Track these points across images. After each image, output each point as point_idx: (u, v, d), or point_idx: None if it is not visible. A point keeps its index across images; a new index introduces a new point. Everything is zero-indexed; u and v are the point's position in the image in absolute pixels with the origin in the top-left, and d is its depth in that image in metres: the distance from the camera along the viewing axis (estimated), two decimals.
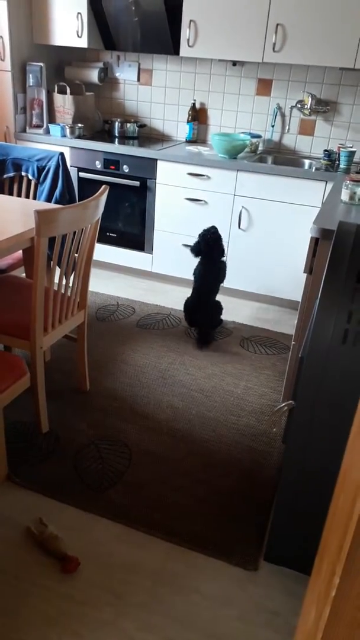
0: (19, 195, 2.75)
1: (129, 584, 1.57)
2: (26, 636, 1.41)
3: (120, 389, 2.44)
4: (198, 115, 3.66)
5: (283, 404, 1.54)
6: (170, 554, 1.67)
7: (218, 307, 2.97)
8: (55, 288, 2.09)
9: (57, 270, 3.35)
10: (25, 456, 1.99)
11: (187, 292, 3.53)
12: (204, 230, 2.83)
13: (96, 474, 1.94)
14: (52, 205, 2.36)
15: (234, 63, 3.46)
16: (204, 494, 1.88)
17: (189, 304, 2.96)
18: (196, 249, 2.85)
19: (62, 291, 2.07)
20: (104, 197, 2.02)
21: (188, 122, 3.64)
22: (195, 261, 3.42)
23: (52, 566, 1.59)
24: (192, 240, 3.39)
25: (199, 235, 2.83)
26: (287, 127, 3.48)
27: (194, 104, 3.61)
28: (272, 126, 3.50)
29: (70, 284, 2.11)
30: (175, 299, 3.43)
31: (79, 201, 2.92)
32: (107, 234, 3.61)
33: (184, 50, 3.20)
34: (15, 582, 1.54)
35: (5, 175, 2.71)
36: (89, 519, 1.76)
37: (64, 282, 2.03)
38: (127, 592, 1.54)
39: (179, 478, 1.95)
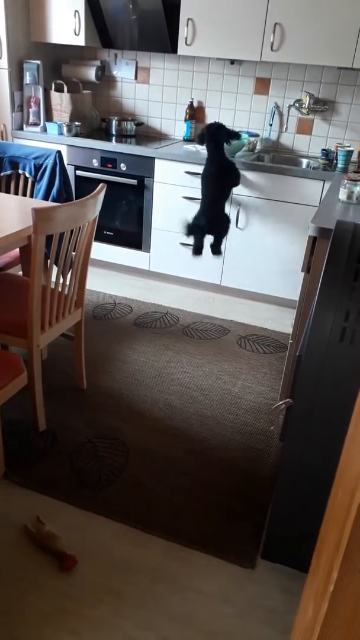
0: (16, 193, 2.74)
1: (127, 582, 1.57)
2: (24, 634, 1.41)
3: (117, 388, 2.44)
4: (196, 114, 3.66)
5: (281, 402, 1.54)
6: (167, 552, 1.67)
7: (227, 218, 3.10)
8: (53, 286, 2.09)
9: (55, 269, 3.34)
10: (22, 455, 1.99)
11: (185, 291, 3.54)
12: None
13: (93, 472, 1.93)
14: (49, 204, 2.36)
15: (232, 62, 3.46)
16: (201, 492, 1.89)
17: (198, 213, 3.08)
18: (200, 137, 3.00)
19: (59, 289, 2.07)
20: (101, 196, 2.01)
21: (186, 120, 3.64)
22: (194, 261, 3.42)
23: (50, 564, 1.59)
24: (190, 240, 3.39)
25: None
26: (285, 126, 3.48)
27: (191, 102, 3.61)
28: (270, 125, 3.50)
29: (68, 282, 2.11)
30: (173, 297, 3.43)
31: (76, 199, 2.91)
32: (105, 232, 3.60)
33: (182, 49, 3.19)
34: (13, 580, 1.54)
35: (2, 173, 2.70)
36: (86, 517, 1.76)
37: (61, 280, 2.03)
38: (124, 590, 1.54)
39: (176, 476, 1.95)
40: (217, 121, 3.04)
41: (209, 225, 3.05)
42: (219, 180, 2.98)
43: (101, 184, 2.04)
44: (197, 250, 3.15)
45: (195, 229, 3.09)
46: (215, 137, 2.93)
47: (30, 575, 1.56)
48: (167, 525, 1.75)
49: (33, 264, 1.81)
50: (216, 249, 3.16)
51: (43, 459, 1.98)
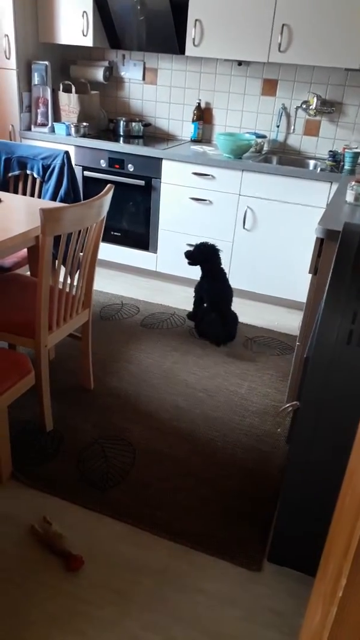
0: (24, 193, 2.75)
1: (133, 583, 1.57)
2: (30, 634, 1.41)
3: (124, 388, 2.44)
4: (203, 115, 3.66)
5: (287, 405, 1.54)
6: (173, 553, 1.67)
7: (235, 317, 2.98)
8: (60, 287, 2.09)
9: (62, 269, 3.35)
10: (29, 455, 2.00)
11: (192, 292, 3.54)
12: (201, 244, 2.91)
13: (100, 472, 1.94)
14: (57, 204, 2.36)
15: (240, 63, 3.45)
16: (207, 494, 1.88)
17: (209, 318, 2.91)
18: (194, 256, 2.89)
19: (67, 290, 2.07)
20: (109, 196, 2.02)
21: (193, 121, 3.64)
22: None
23: (56, 565, 1.60)
24: (197, 240, 3.39)
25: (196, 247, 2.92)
26: (292, 128, 3.48)
27: (199, 103, 3.61)
28: (277, 126, 3.50)
29: (75, 283, 2.11)
30: (180, 298, 3.43)
31: (84, 200, 2.92)
32: (112, 233, 3.61)
33: (190, 50, 3.19)
34: (20, 580, 1.55)
35: (10, 174, 2.71)
36: (93, 518, 1.76)
37: (68, 280, 2.03)
38: (130, 591, 1.54)
39: (182, 477, 1.95)
40: (209, 243, 2.92)
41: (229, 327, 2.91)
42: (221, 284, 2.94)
43: (109, 185, 2.04)
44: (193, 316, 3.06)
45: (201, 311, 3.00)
46: (214, 260, 2.89)
47: (37, 575, 1.56)
48: (173, 526, 1.75)
49: (41, 265, 1.81)
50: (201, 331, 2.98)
51: (50, 459, 1.98)
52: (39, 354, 1.97)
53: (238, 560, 1.65)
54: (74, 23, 3.34)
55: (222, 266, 2.94)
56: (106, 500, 1.82)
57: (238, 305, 3.39)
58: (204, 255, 2.88)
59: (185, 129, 3.76)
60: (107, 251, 3.66)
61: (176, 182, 3.31)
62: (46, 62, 3.40)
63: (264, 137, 3.47)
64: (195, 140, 3.68)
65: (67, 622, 1.45)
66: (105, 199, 1.99)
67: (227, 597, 1.55)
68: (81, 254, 2.07)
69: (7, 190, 2.75)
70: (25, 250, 2.57)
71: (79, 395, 2.36)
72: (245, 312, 3.31)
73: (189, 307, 3.31)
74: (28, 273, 2.58)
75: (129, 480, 1.91)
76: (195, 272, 3.47)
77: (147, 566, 1.62)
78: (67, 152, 2.60)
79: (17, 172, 2.71)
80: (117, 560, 1.63)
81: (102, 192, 1.98)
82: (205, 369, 2.65)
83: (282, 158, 3.45)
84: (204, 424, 2.25)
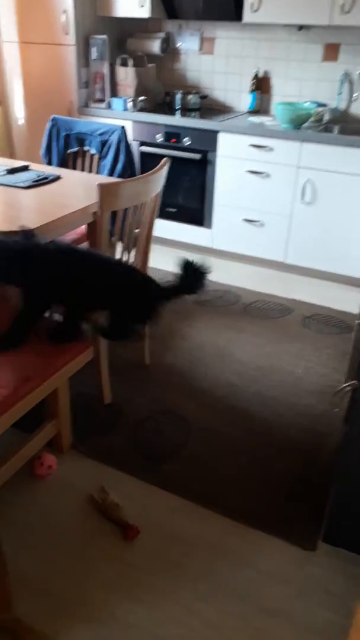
0: (82, 169, 2.78)
1: (187, 555, 1.60)
2: (88, 598, 1.47)
3: (179, 365, 2.45)
4: (261, 85, 3.53)
5: (346, 384, 1.49)
6: (227, 529, 1.68)
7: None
8: None
9: (119, 246, 3.38)
10: (88, 426, 2.06)
11: (247, 268, 3.48)
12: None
13: (156, 446, 1.97)
14: (114, 179, 2.37)
15: (300, 27, 3.29)
16: (262, 472, 1.88)
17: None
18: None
19: None
20: (164, 170, 2.00)
21: (251, 92, 3.52)
22: (257, 238, 3.36)
23: (114, 533, 1.65)
24: (254, 215, 3.32)
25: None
26: (355, 95, 3.30)
27: (257, 73, 3.48)
28: (339, 94, 3.33)
29: (131, 260, 2.12)
30: (234, 275, 3.38)
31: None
32: (166, 209, 3.59)
33: (248, 16, 3.07)
34: (80, 546, 1.61)
35: (69, 150, 2.74)
36: (148, 490, 1.80)
37: (125, 257, 2.05)
38: (184, 562, 1.57)
39: (236, 455, 1.95)
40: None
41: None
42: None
43: (165, 159, 2.02)
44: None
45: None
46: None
47: (95, 542, 1.62)
48: (226, 502, 1.76)
49: (99, 240, 1.83)
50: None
51: (108, 431, 2.04)
52: None
53: (292, 539, 1.65)
54: None
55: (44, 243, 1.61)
56: (161, 473, 1.86)
57: (296, 283, 3.31)
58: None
59: (243, 100, 3.65)
60: (162, 227, 3.65)
61: (232, 155, 3.23)
62: (104, 36, 3.38)
63: (324, 105, 3.32)
64: (252, 112, 3.57)
65: (124, 589, 1.50)
66: (161, 173, 1.98)
67: (281, 575, 1.55)
68: (137, 230, 2.07)
69: (66, 167, 2.78)
70: (84, 227, 2.60)
71: (135, 371, 2.40)
72: (303, 289, 3.23)
73: (244, 284, 3.27)
74: None
75: (183, 455, 1.93)
76: (253, 249, 3.42)
77: (201, 540, 1.65)
78: (123, 128, 2.59)
79: (75, 149, 2.73)
80: (171, 532, 1.66)
81: (157, 166, 1.96)
82: (260, 347, 2.62)
83: (344, 127, 3.29)
84: (259, 403, 2.23)
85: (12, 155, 3.89)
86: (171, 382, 2.33)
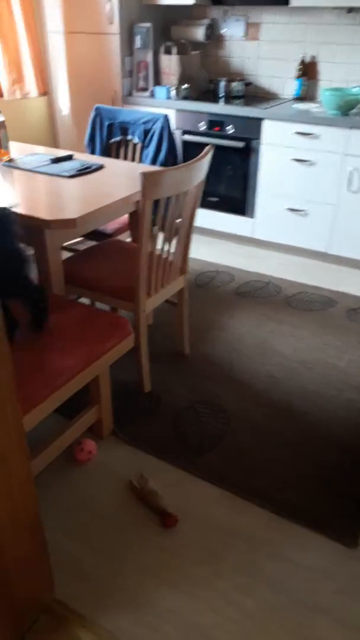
0: (125, 158, 2.78)
1: (226, 545, 1.59)
2: (125, 582, 1.49)
3: (218, 356, 2.44)
4: (308, 70, 3.44)
5: None
6: (267, 521, 1.66)
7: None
8: (158, 253, 2.11)
9: (160, 236, 3.38)
10: (128, 414, 2.07)
11: (289, 259, 3.42)
12: None
13: (195, 436, 1.97)
14: (157, 168, 2.36)
15: (349, 10, 3.17)
16: (303, 466, 1.85)
17: None
18: None
19: (164, 256, 2.08)
20: (208, 158, 1.97)
21: (297, 78, 3.43)
22: (300, 227, 3.29)
23: (152, 520, 1.66)
24: (298, 204, 3.25)
25: None
26: None
27: (303, 58, 3.39)
28: None
29: (173, 249, 2.11)
30: (276, 266, 3.33)
31: None
32: (208, 198, 3.56)
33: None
34: (119, 530, 1.63)
35: (112, 140, 2.75)
36: (187, 480, 1.80)
37: (166, 247, 2.04)
38: (223, 553, 1.57)
39: (277, 448, 1.92)
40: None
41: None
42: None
43: (208, 146, 2.00)
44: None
45: None
46: None
47: (134, 528, 1.64)
48: (267, 494, 1.74)
49: (141, 229, 1.83)
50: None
51: (147, 419, 2.05)
52: (138, 317, 2.01)
53: (333, 535, 1.61)
54: None
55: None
56: (200, 463, 1.85)
57: (340, 274, 3.22)
58: None
59: (288, 87, 3.56)
60: (202, 217, 3.62)
61: (277, 143, 3.16)
62: (148, 24, 3.36)
63: None
64: (298, 98, 3.48)
65: (162, 575, 1.50)
66: (205, 161, 1.95)
67: (321, 570, 1.52)
68: (178, 220, 2.06)
69: (109, 156, 2.79)
70: (126, 216, 2.61)
71: (175, 360, 2.39)
72: (348, 281, 3.14)
73: (286, 275, 3.21)
74: (129, 240, 2.62)
75: (223, 446, 1.92)
76: (296, 239, 3.35)
77: (240, 531, 1.63)
78: (166, 116, 2.58)
79: (118, 138, 2.74)
80: (210, 522, 1.66)
81: (201, 154, 1.94)
82: (301, 339, 2.57)
83: None
84: (300, 395, 2.19)
85: (56, 145, 3.95)
86: (210, 373, 2.31)
